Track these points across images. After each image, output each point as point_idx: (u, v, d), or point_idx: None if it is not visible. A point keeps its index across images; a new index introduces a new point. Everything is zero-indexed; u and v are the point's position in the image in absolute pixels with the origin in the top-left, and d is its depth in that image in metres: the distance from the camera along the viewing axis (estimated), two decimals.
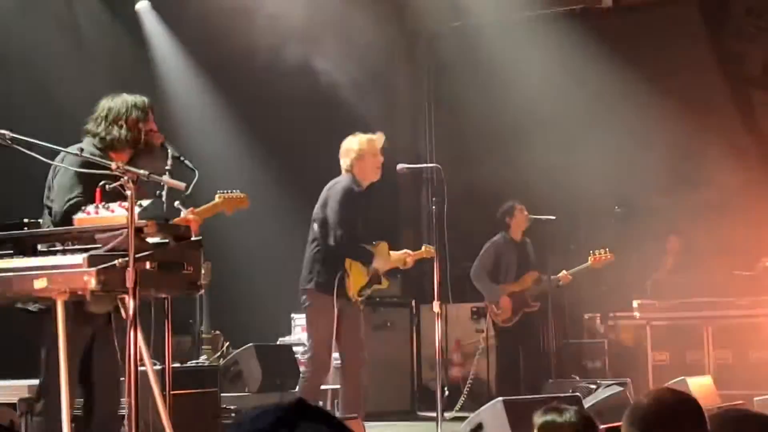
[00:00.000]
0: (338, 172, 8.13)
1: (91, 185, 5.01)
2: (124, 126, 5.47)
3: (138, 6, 12.18)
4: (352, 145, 8.02)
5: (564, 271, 10.39)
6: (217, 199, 6.91)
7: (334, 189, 7.94)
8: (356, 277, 7.83)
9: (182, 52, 12.49)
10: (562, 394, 7.93)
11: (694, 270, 11.29)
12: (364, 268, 7.89)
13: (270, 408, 1.79)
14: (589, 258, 10.35)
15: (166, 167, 5.10)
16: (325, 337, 7.76)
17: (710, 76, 11.51)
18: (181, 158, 5.27)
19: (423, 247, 8.59)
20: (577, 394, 7.92)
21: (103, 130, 5.48)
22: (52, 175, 5.41)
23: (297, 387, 8.10)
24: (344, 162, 8.05)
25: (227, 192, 7.05)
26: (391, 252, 8.24)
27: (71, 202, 5.12)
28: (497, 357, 10.78)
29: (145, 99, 5.63)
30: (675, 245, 11.68)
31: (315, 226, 7.96)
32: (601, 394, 8.30)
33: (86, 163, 5.08)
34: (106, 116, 5.50)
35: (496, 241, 10.53)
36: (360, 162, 7.99)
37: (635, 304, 10.99)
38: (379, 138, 8.07)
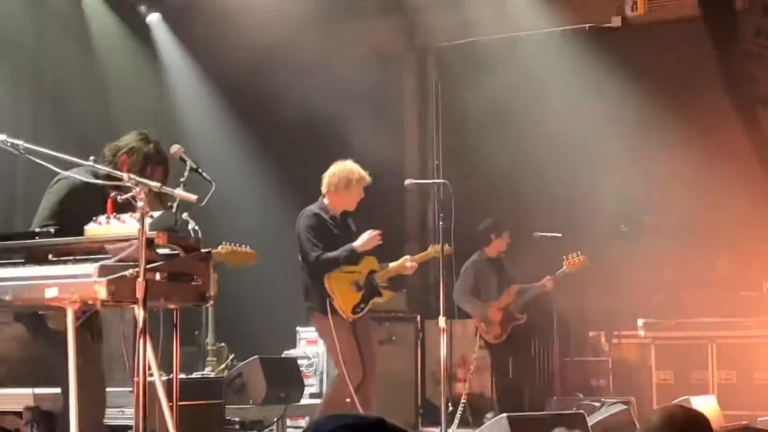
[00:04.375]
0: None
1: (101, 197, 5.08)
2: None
3: (149, 18, 12.25)
4: (342, 172, 8.02)
5: (547, 277, 10.34)
6: (219, 249, 6.96)
7: (300, 220, 8.03)
8: (344, 296, 7.82)
9: (192, 64, 12.55)
10: (566, 412, 7.94)
11: (698, 290, 11.28)
12: (352, 285, 7.88)
13: (349, 421, 1.78)
14: (564, 263, 10.32)
15: (181, 179, 5.13)
16: (341, 354, 7.76)
17: (718, 96, 11.51)
18: (199, 170, 5.29)
19: (429, 248, 8.54)
20: (581, 411, 7.92)
21: (110, 163, 5.52)
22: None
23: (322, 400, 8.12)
24: (325, 184, 8.05)
25: (233, 245, 7.10)
26: (391, 264, 8.23)
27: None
28: (495, 374, 10.67)
29: (160, 153, 5.61)
30: (724, 266, 11.53)
31: (299, 255, 8.06)
32: (605, 412, 8.31)
33: (98, 176, 5.14)
34: (117, 152, 5.52)
35: (474, 260, 10.48)
36: (343, 192, 7.99)
37: (640, 322, 10.99)
38: (367, 176, 8.06)
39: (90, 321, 5.32)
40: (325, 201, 8.06)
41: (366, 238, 7.93)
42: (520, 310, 10.37)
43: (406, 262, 8.25)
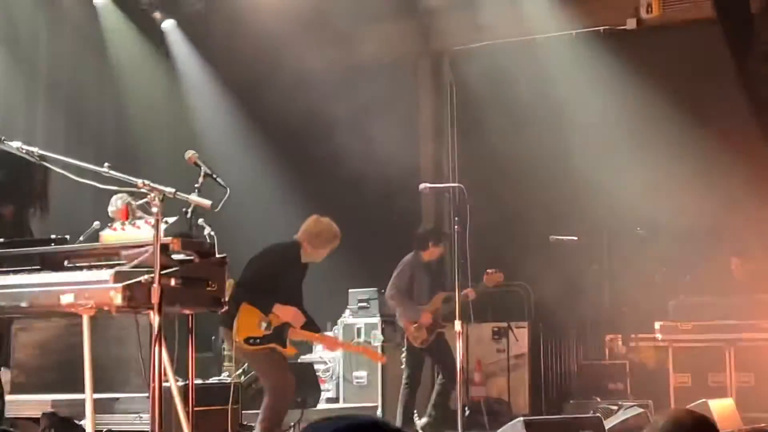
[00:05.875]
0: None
1: None
2: None
3: (164, 25, 12.29)
4: (326, 230, 8.02)
5: (470, 288, 10.12)
6: None
7: (277, 245, 8.10)
8: (245, 324, 7.77)
9: (207, 70, 12.58)
10: (583, 415, 7.92)
11: (716, 292, 11.23)
12: (262, 321, 7.81)
13: (344, 424, 1.78)
14: (484, 277, 10.15)
15: (196, 185, 5.13)
16: (270, 374, 7.89)
17: (735, 98, 11.47)
18: (214, 175, 5.29)
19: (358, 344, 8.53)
20: (599, 415, 7.90)
21: None
22: None
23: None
24: (305, 234, 8.02)
25: None
26: (327, 333, 8.21)
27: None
28: (412, 378, 10.37)
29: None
30: (738, 266, 11.44)
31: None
32: (623, 415, 8.28)
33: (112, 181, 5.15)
34: None
35: (410, 261, 10.22)
36: (321, 248, 8.00)
37: (657, 325, 10.95)
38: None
39: None
40: (302, 251, 8.02)
41: (289, 312, 7.89)
42: (445, 317, 10.17)
43: (317, 339, 8.31)
